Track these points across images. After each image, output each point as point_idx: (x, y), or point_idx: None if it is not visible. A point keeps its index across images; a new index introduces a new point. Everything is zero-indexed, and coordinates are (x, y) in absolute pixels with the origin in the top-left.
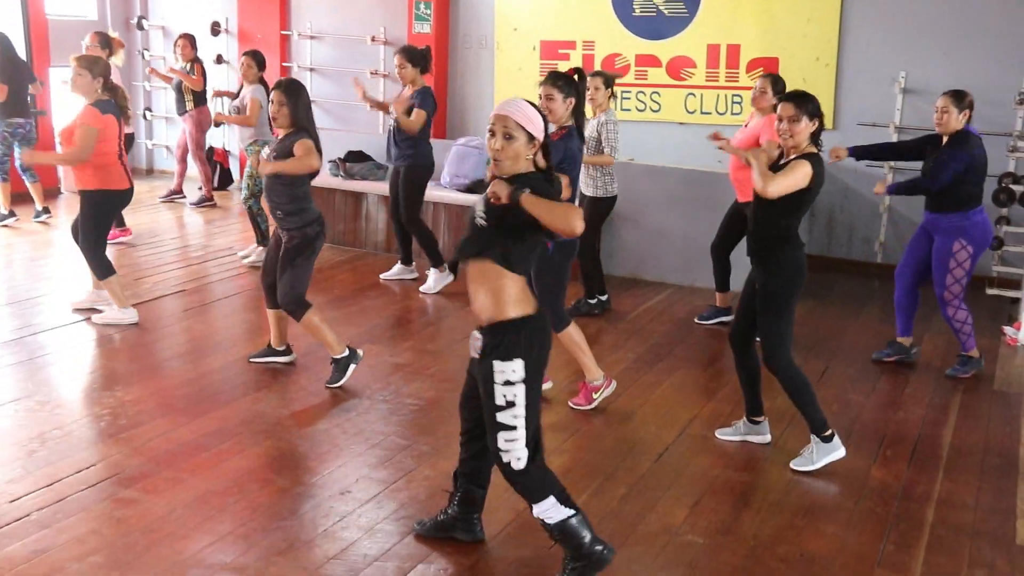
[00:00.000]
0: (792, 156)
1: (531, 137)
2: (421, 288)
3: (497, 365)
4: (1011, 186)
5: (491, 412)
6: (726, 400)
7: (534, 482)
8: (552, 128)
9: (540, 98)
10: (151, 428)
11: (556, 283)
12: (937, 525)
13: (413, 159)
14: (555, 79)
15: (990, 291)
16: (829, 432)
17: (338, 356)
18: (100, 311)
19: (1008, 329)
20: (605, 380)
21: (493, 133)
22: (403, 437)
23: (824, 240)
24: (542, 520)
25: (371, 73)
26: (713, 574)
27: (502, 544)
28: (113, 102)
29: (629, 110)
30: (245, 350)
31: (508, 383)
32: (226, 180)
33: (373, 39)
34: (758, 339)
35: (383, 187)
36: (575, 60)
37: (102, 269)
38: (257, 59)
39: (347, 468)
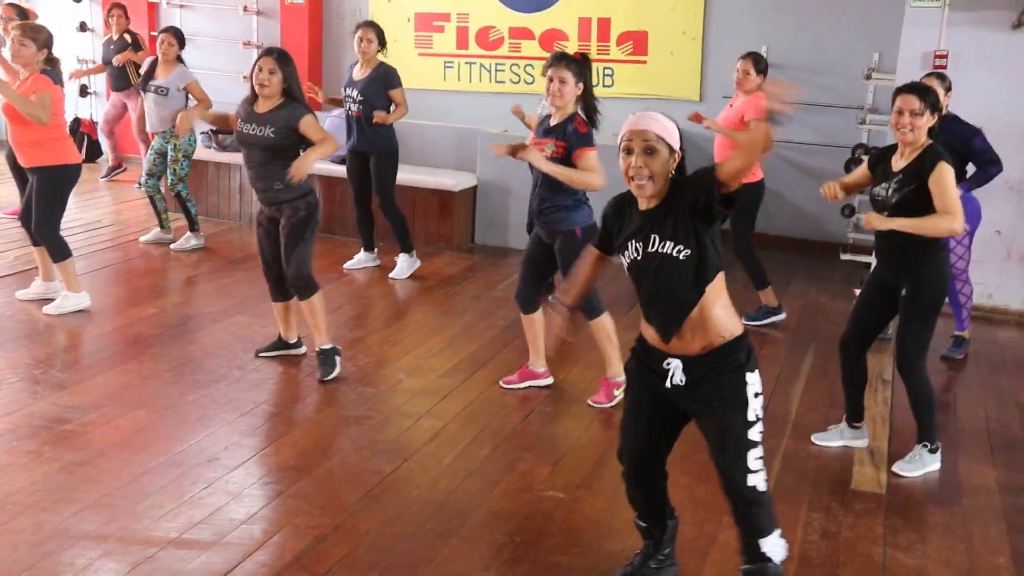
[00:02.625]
0: (910, 152)
1: (672, 150)
2: (391, 275)
3: (750, 377)
4: (862, 156)
5: (741, 431)
6: (590, 366)
7: (771, 508)
8: (556, 118)
9: (549, 81)
10: (11, 402)
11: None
12: (783, 475)
13: (385, 144)
14: (567, 61)
15: (844, 256)
16: (937, 445)
17: (326, 347)
18: (51, 300)
19: (859, 291)
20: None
21: (630, 150)
22: (273, 405)
23: None
24: (763, 556)
25: (243, 44)
26: (571, 524)
27: (367, 505)
28: (56, 73)
29: (503, 82)
30: (114, 324)
31: (757, 395)
32: (94, 153)
33: (245, 9)
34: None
35: None
36: (449, 32)
37: (59, 251)
38: (179, 36)
39: (216, 436)
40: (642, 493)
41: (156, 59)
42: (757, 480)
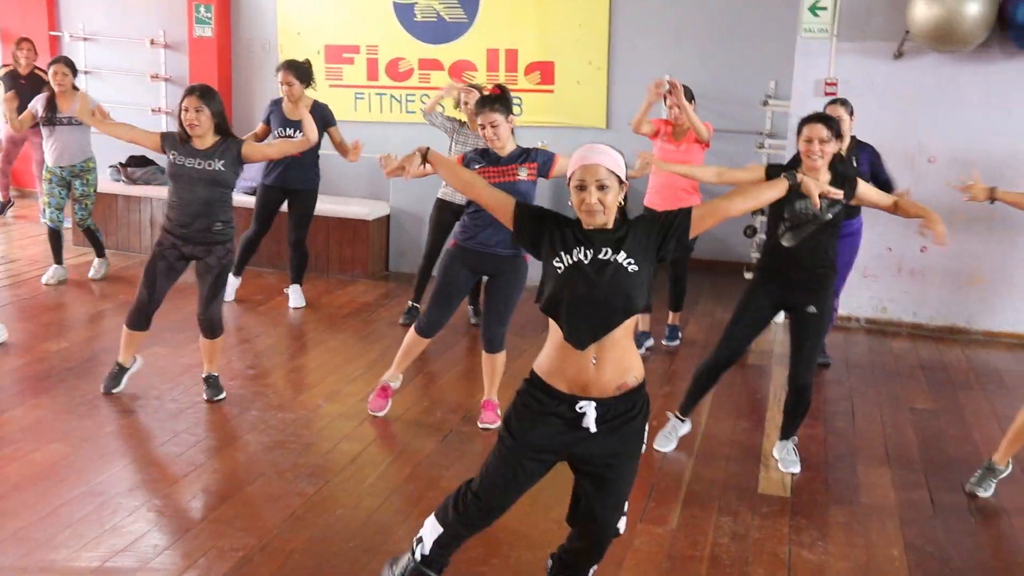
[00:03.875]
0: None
1: (621, 181)
2: (291, 305)
3: (646, 426)
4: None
5: (631, 480)
6: (504, 388)
7: None
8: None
9: (482, 128)
10: None
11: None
12: (693, 482)
13: (315, 183)
14: (490, 103)
15: (747, 275)
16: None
17: (215, 374)
18: None
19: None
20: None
21: (583, 187)
22: (192, 433)
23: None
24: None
25: (151, 77)
26: (491, 536)
27: (291, 526)
28: None
29: (414, 112)
30: (25, 359)
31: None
32: None
33: (152, 42)
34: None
35: (163, 192)
36: (359, 64)
37: None
38: (71, 66)
39: (135, 466)
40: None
41: (52, 93)
42: (622, 522)
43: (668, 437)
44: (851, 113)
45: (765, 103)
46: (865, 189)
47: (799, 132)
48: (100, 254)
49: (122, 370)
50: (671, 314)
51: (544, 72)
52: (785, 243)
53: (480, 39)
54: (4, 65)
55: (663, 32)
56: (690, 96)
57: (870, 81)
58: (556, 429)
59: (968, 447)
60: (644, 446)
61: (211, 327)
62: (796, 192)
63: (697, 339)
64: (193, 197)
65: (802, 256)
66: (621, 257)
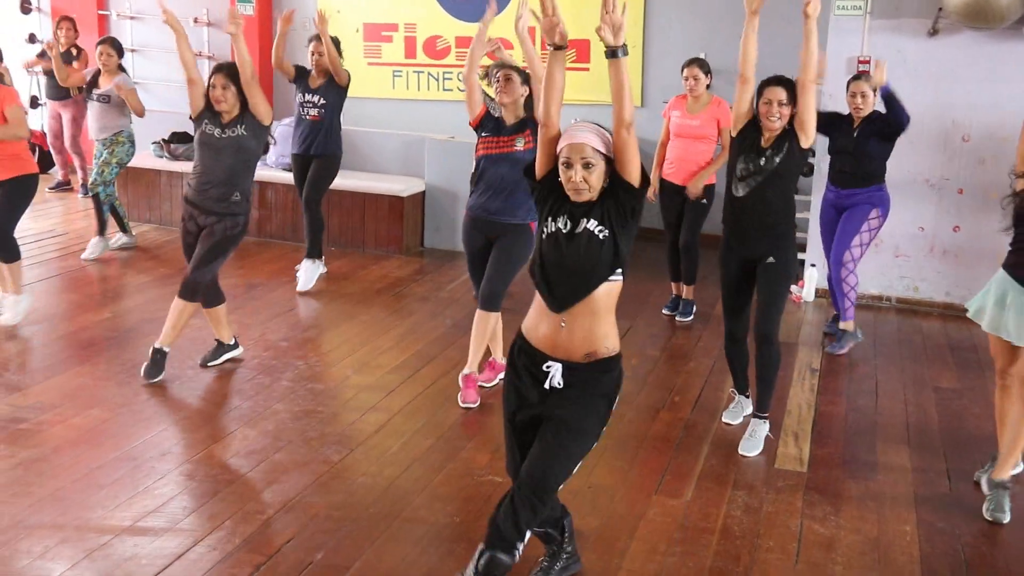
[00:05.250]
0: (771, 134)
1: (607, 159)
2: (299, 287)
3: (613, 394)
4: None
5: (576, 448)
6: None
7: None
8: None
9: (497, 81)
10: None
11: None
12: (711, 457)
13: (336, 148)
14: (513, 67)
15: None
16: (768, 413)
17: (160, 347)
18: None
19: (793, 288)
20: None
21: (570, 164)
22: (225, 402)
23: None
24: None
25: (196, 55)
26: None
27: (314, 492)
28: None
29: (451, 90)
30: (68, 328)
31: (608, 415)
32: (46, 164)
33: (196, 20)
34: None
35: None
36: (397, 42)
37: (12, 252)
38: (117, 47)
39: (168, 432)
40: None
41: (98, 70)
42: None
43: (734, 412)
44: (874, 90)
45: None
46: (799, 117)
47: (759, 94)
48: (101, 231)
49: (220, 346)
50: (679, 286)
51: (580, 50)
52: (737, 194)
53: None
54: (43, 43)
55: (697, 10)
56: (708, 70)
57: (903, 59)
58: (528, 382)
59: (990, 426)
60: (604, 427)
61: (189, 289)
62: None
63: (715, 314)
64: (217, 165)
65: (755, 206)
66: (592, 225)
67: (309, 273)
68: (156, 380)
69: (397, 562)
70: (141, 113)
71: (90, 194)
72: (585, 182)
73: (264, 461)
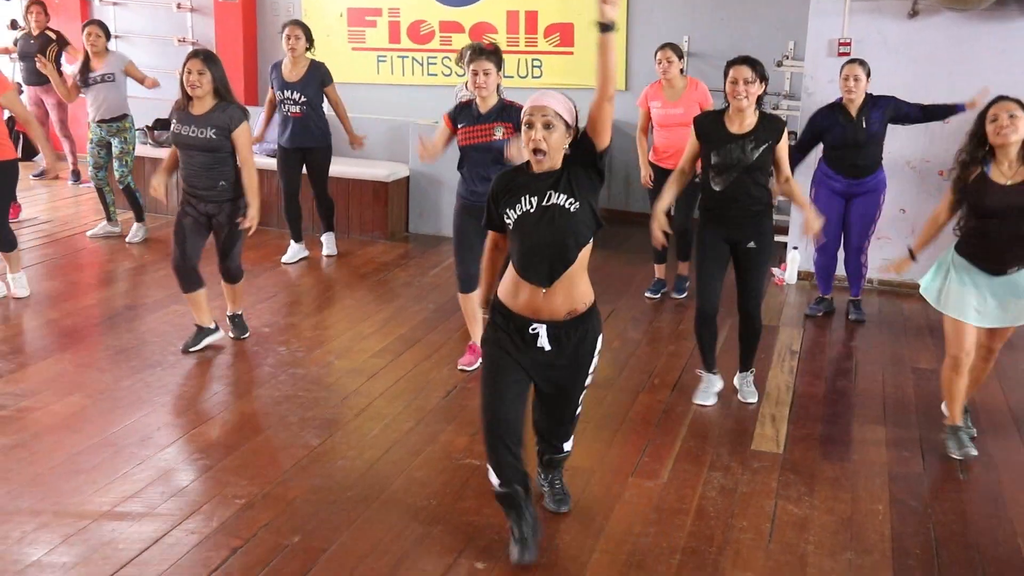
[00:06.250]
0: (744, 117)
1: (568, 126)
2: (325, 253)
3: (598, 342)
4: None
5: (582, 387)
6: None
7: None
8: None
9: (474, 74)
10: None
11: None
12: (688, 439)
13: (326, 140)
14: (486, 54)
15: None
16: (753, 367)
17: (239, 312)
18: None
19: (775, 270)
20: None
21: (531, 124)
22: (207, 388)
23: (623, 196)
24: (564, 455)
25: (178, 41)
26: (485, 488)
27: (293, 476)
28: None
29: (435, 75)
30: (52, 314)
31: (597, 359)
32: (30, 151)
33: (179, 6)
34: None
35: None
36: (381, 27)
37: (10, 241)
38: (104, 29)
39: (149, 418)
40: (511, 456)
41: (86, 54)
42: (571, 439)
43: (705, 393)
44: (868, 73)
45: (779, 64)
46: (781, 149)
47: (726, 74)
48: (139, 218)
49: (200, 331)
50: (679, 264)
51: (564, 34)
52: (715, 187)
53: (500, 1)
54: (19, 28)
55: None
56: (680, 53)
57: (884, 40)
58: (517, 345)
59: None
60: (595, 361)
61: (230, 274)
62: (720, 140)
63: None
64: (193, 163)
65: (736, 196)
66: (562, 199)
67: (331, 241)
68: (244, 337)
69: (373, 544)
70: (154, 83)
71: (120, 187)
72: (544, 142)
73: (244, 446)
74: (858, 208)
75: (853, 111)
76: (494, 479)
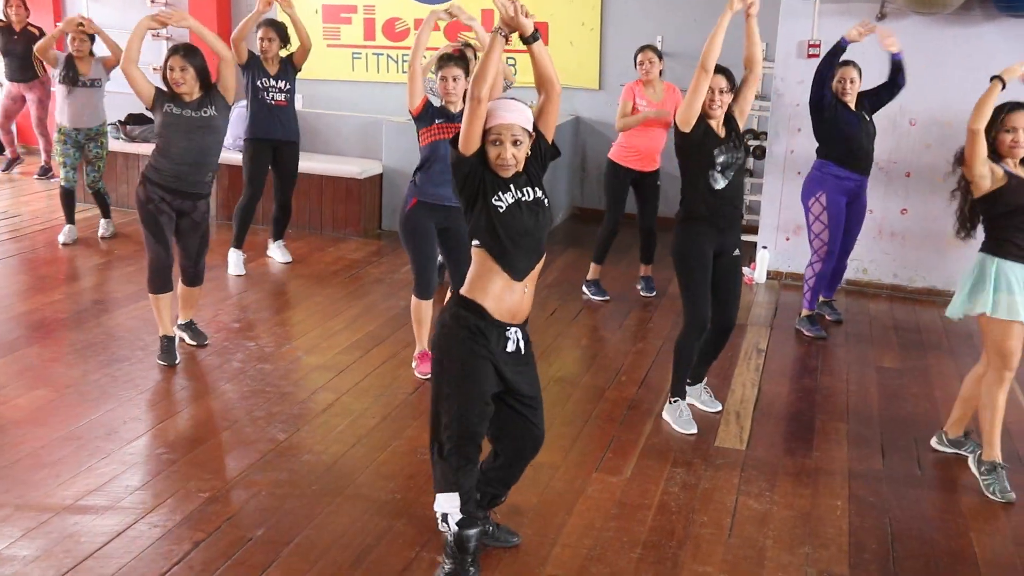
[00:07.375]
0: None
1: (529, 135)
2: (280, 260)
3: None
4: (749, 141)
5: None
6: None
7: None
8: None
9: (441, 80)
10: None
11: None
12: (652, 435)
13: (298, 134)
14: (454, 60)
15: None
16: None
17: (190, 321)
18: None
19: (745, 269)
20: None
21: (499, 142)
22: (174, 383)
23: (597, 195)
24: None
25: (152, 35)
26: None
27: (258, 470)
28: None
29: None
30: (19, 310)
31: None
32: None
33: (153, 2)
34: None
35: None
36: (356, 23)
37: None
38: (91, 37)
39: (115, 412)
40: (476, 476)
41: (70, 56)
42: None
43: (689, 418)
44: (860, 74)
45: None
46: (740, 107)
47: None
48: (106, 215)
49: (171, 341)
50: (643, 267)
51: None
52: (718, 186)
53: (475, 0)
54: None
55: None
56: (660, 55)
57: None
58: (492, 351)
59: (927, 404)
60: None
61: (199, 277)
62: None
63: (670, 290)
64: (191, 146)
65: (733, 196)
66: (540, 194)
67: (284, 250)
68: (205, 343)
69: (336, 537)
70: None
71: (90, 191)
72: (514, 158)
73: (210, 440)
74: (858, 207)
75: (853, 105)
76: (452, 507)
